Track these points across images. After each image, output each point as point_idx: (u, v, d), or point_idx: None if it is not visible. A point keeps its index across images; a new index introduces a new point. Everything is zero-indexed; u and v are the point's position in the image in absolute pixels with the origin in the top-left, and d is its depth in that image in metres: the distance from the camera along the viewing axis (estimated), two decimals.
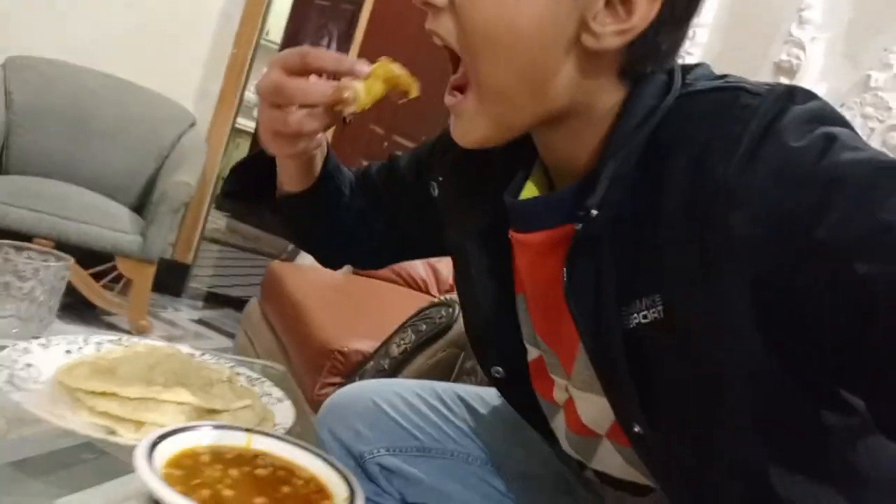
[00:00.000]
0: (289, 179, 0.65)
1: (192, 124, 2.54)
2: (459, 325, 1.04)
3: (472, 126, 0.49)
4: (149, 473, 0.39)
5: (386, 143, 2.65)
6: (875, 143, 1.42)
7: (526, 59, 0.45)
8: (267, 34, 6.17)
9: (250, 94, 6.48)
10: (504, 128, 0.49)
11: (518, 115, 0.48)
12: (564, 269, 0.48)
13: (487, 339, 0.61)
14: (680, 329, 0.43)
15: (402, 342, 1.08)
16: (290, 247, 1.86)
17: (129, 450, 0.42)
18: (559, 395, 0.58)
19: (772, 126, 0.40)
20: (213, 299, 2.90)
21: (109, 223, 2.07)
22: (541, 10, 0.44)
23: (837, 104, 1.52)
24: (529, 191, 0.54)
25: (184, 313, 2.59)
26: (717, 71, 0.50)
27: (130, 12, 2.52)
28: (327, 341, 1.16)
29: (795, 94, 0.42)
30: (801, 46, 1.62)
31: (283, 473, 0.47)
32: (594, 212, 0.45)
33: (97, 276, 2.10)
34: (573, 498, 0.72)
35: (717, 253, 0.40)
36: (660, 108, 0.46)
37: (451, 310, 1.08)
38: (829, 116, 0.42)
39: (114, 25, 2.51)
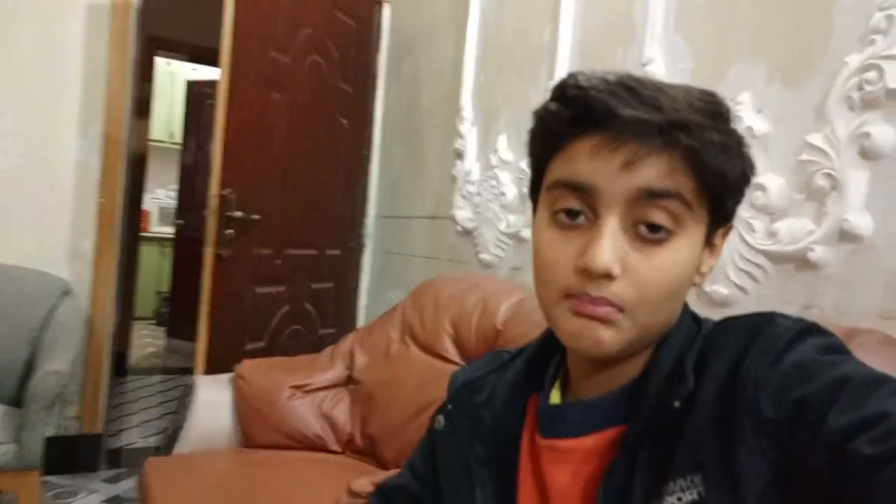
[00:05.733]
0: None
1: (66, 292, 2.34)
2: None
3: (618, 339, 0.50)
4: None
5: (278, 261, 2.49)
6: None
7: (675, 306, 0.52)
8: (172, 137, 6.08)
9: (168, 201, 6.30)
10: (640, 342, 0.52)
11: (654, 334, 0.53)
12: (607, 469, 0.51)
13: None
14: None
15: None
16: (169, 429, 1.68)
17: None
18: None
19: (799, 341, 0.47)
20: (138, 455, 2.69)
21: None
22: (691, 271, 0.51)
23: None
24: (555, 398, 0.58)
25: (99, 494, 2.36)
26: None
27: None
28: None
29: (819, 328, 0.49)
30: None
31: None
32: (677, 403, 0.49)
33: None
34: None
35: (748, 432, 0.45)
36: (703, 327, 0.54)
37: None
38: (843, 348, 0.49)
39: None
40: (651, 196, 0.48)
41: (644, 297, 0.49)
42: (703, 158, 0.47)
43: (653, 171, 0.47)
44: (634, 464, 0.50)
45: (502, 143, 2.09)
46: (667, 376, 0.51)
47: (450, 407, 0.65)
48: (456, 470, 0.63)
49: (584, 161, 0.49)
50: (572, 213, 0.50)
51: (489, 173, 2.13)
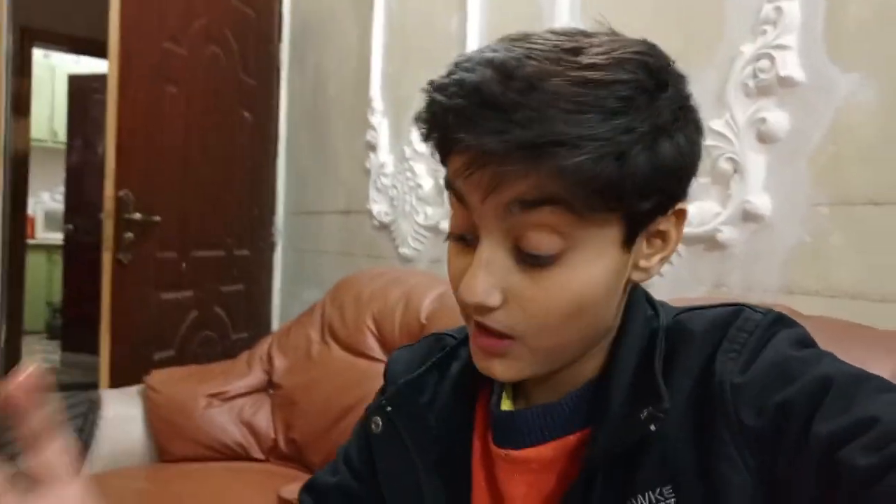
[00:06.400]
0: None
1: None
2: None
3: (515, 370, 0.47)
4: None
5: (184, 264, 2.36)
6: None
7: (587, 322, 0.46)
8: (55, 136, 5.63)
9: (55, 205, 5.86)
10: (550, 364, 0.48)
11: (568, 354, 0.48)
12: (566, 490, 0.48)
13: None
14: None
15: None
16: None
17: None
18: None
19: (771, 337, 0.45)
20: None
21: None
22: (605, 280, 0.45)
23: None
24: (506, 404, 0.54)
25: None
26: None
27: None
28: None
29: (785, 318, 0.47)
30: None
31: None
32: (644, 415, 0.45)
33: None
34: None
35: (727, 442, 0.43)
36: (662, 316, 0.50)
37: None
38: (811, 340, 0.47)
39: None
40: (525, 207, 0.41)
41: (534, 324, 0.44)
42: (583, 172, 0.39)
43: (522, 186, 0.41)
44: (595, 479, 0.46)
45: (416, 134, 2.07)
46: (631, 382, 0.48)
47: (389, 409, 0.58)
48: (400, 478, 0.58)
49: (461, 176, 0.43)
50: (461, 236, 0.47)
51: (404, 165, 2.11)
